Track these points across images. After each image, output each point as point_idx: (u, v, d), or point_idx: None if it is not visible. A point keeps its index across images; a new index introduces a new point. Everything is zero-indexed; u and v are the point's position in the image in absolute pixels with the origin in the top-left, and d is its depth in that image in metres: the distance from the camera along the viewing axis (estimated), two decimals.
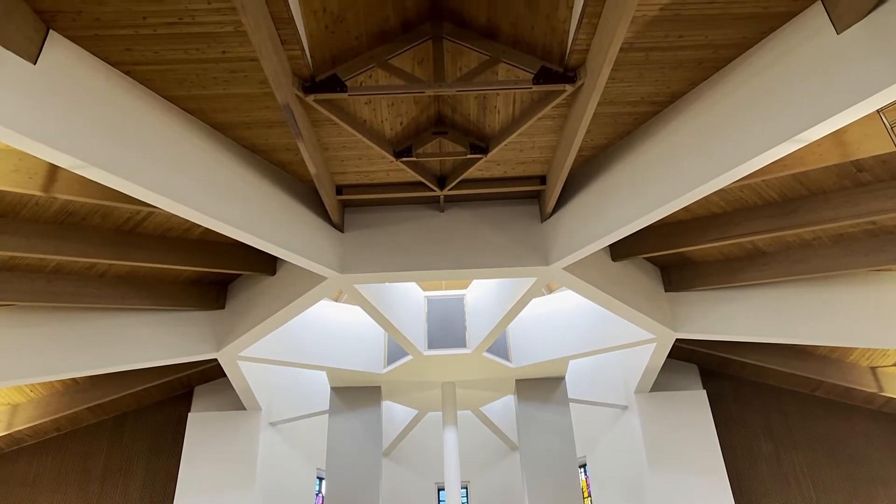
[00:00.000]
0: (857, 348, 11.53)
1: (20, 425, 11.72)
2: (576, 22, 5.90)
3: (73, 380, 11.71)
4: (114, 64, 6.20)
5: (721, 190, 8.33)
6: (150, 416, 13.17)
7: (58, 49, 5.66)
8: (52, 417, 11.89)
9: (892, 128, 6.80)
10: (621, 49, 6.26)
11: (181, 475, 12.02)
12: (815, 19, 5.76)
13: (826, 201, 8.13)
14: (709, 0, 5.83)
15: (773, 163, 6.96)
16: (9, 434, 12.08)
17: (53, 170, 7.06)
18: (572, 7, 5.96)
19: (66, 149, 5.51)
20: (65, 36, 5.76)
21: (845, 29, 5.44)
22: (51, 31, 5.63)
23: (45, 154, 5.49)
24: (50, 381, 11.50)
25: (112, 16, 5.63)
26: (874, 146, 6.96)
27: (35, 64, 5.38)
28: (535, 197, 9.30)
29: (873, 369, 11.82)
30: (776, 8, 5.93)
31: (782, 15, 6.01)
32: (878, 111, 6.85)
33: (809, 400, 13.00)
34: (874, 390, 11.76)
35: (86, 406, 11.93)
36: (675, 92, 7.14)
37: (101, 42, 5.91)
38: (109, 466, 12.61)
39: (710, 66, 6.72)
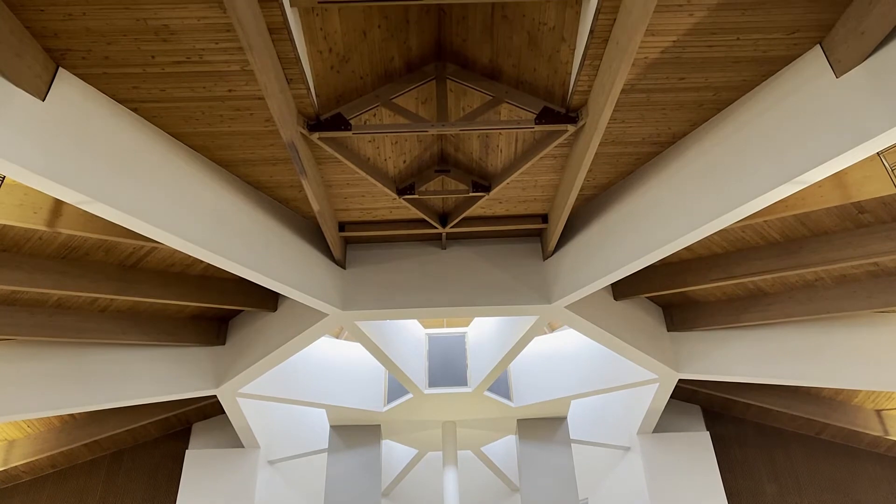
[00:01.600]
0: (861, 391, 11.43)
1: (16, 461, 11.57)
2: (578, 64, 5.97)
3: (71, 416, 11.61)
4: (121, 101, 6.26)
5: (723, 230, 8.35)
6: (148, 453, 12.99)
7: (66, 86, 5.73)
8: (49, 454, 11.75)
9: (892, 170, 6.84)
10: (623, 90, 6.36)
11: None
12: (815, 63, 5.83)
13: (828, 242, 8.13)
14: (709, 44, 5.90)
15: (774, 203, 6.99)
16: (5, 471, 11.94)
17: (58, 205, 7.10)
18: (574, 49, 6.04)
19: (72, 184, 5.53)
20: (74, 73, 5.83)
21: (844, 72, 5.50)
22: (60, 69, 5.71)
23: (51, 189, 5.51)
24: (47, 417, 11.41)
25: (121, 54, 5.70)
26: (875, 188, 7.00)
27: (44, 101, 5.43)
28: (538, 235, 9.32)
29: (878, 412, 11.69)
30: (775, 52, 6.01)
31: (781, 58, 6.08)
32: (878, 154, 6.90)
33: (814, 442, 12.83)
34: (879, 434, 11.61)
35: (83, 443, 11.79)
36: (676, 133, 7.20)
37: (109, 80, 5.98)
38: None
39: (711, 108, 6.78)
